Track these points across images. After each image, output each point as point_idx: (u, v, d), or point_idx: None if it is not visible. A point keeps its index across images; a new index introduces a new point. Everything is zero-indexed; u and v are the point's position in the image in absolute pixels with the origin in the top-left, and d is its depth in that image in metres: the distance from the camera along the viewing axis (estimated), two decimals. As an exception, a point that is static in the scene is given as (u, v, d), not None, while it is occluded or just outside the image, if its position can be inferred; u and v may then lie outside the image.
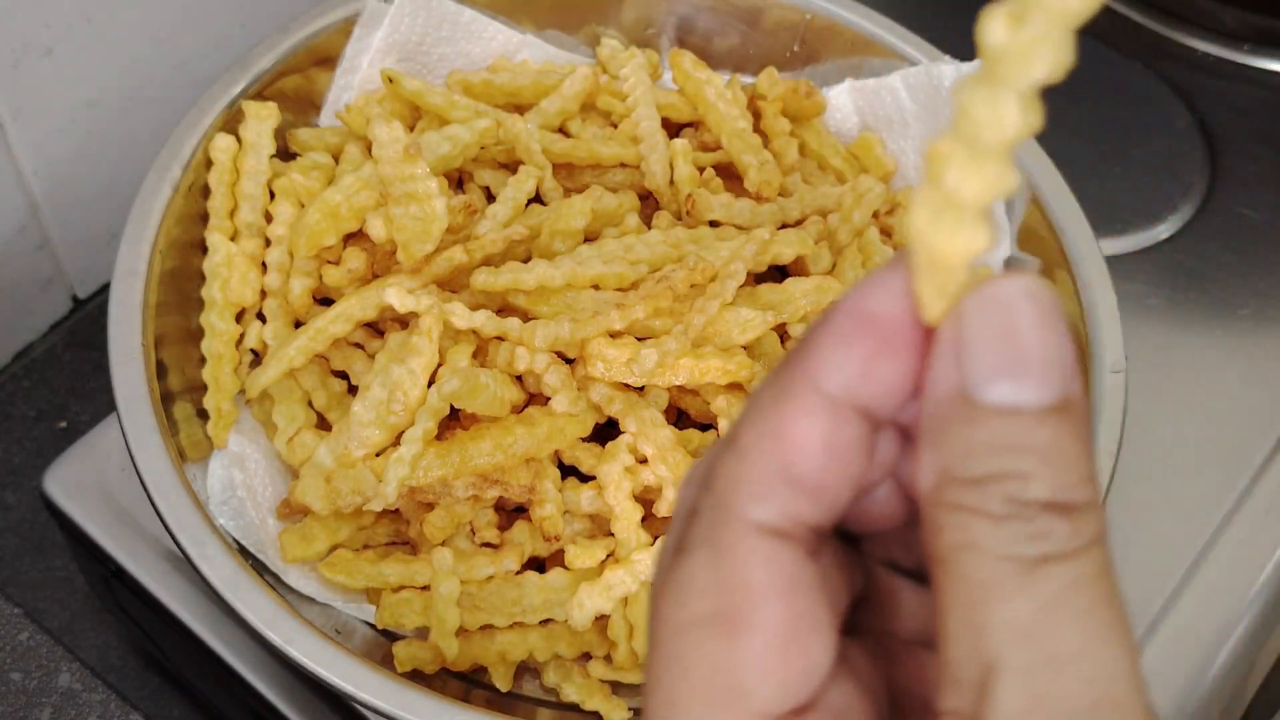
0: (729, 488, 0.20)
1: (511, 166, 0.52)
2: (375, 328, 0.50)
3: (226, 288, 0.49)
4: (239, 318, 0.50)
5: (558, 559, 0.47)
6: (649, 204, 0.54)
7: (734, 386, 0.47)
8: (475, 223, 0.50)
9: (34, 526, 0.61)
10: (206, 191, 0.51)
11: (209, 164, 0.51)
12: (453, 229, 0.48)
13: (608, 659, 0.46)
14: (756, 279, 0.50)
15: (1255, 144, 0.71)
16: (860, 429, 0.20)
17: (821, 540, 0.21)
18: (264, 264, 0.50)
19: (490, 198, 0.53)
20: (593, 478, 0.46)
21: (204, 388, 0.48)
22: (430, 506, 0.46)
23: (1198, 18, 0.76)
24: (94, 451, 0.52)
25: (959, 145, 0.19)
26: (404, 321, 0.48)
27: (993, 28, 0.18)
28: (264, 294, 0.50)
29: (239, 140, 0.52)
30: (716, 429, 0.47)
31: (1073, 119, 0.70)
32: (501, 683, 0.45)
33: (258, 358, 0.50)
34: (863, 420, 0.20)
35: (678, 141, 0.53)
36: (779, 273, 0.52)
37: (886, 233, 0.54)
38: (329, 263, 0.50)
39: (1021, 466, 0.19)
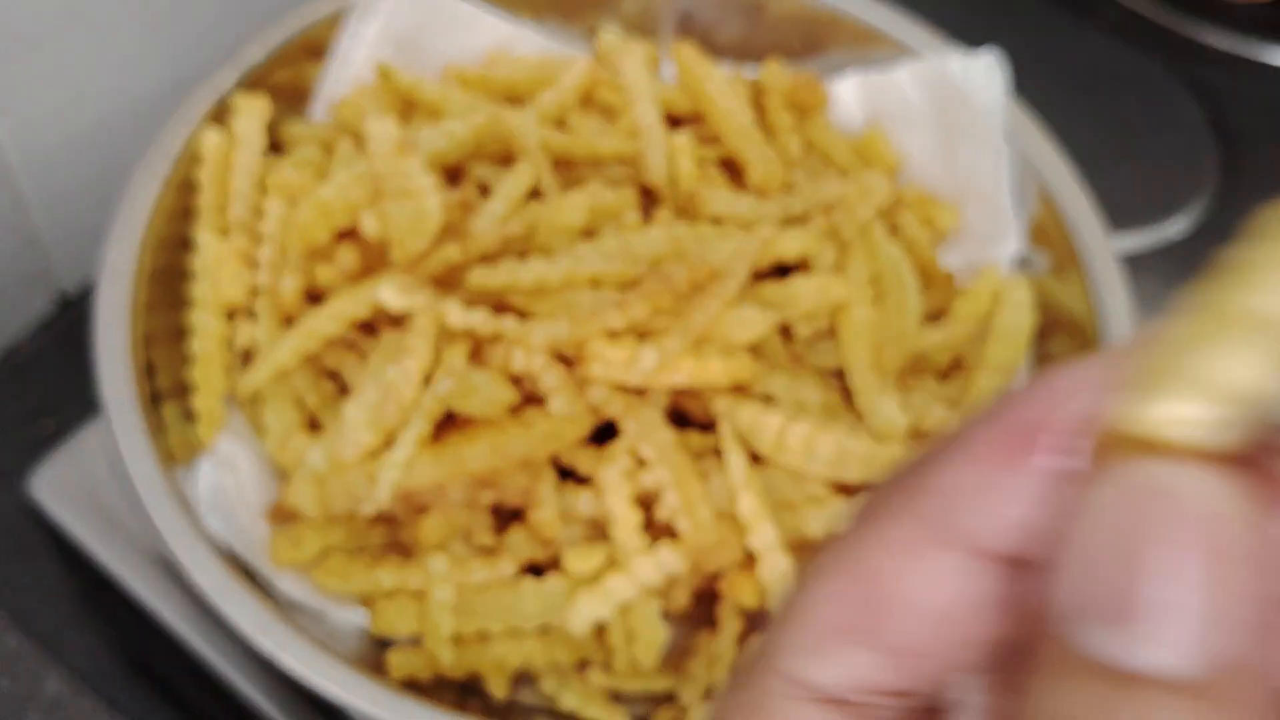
0: (781, 636, 0.15)
1: (508, 161, 0.52)
2: (369, 327, 0.49)
3: (216, 286, 0.49)
4: (229, 316, 0.49)
5: (555, 564, 0.46)
6: (649, 200, 0.53)
7: (736, 388, 0.47)
8: (471, 219, 0.49)
9: (20, 530, 0.60)
10: (196, 187, 0.51)
11: (198, 159, 0.51)
12: (448, 226, 0.48)
13: (606, 666, 0.45)
14: (759, 277, 0.50)
15: (1270, 140, 0.71)
16: (997, 580, 0.14)
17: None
18: (255, 261, 0.50)
19: (486, 193, 0.52)
20: (591, 480, 0.46)
21: (193, 388, 0.48)
22: (424, 510, 0.45)
23: (1211, 11, 0.76)
24: (81, 454, 0.52)
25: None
26: (398, 320, 0.48)
27: None
28: (254, 292, 0.49)
29: (229, 135, 0.51)
30: (718, 431, 0.47)
31: (1084, 114, 0.69)
32: (498, 690, 0.45)
33: (248, 357, 0.49)
34: (1003, 567, 0.14)
35: (679, 136, 0.53)
36: (782, 270, 0.51)
37: (892, 229, 0.54)
38: (321, 260, 0.49)
39: None
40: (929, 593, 0.14)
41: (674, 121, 0.56)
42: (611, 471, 0.44)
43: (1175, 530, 0.12)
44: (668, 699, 0.46)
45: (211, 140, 0.51)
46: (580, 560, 0.44)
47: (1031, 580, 0.14)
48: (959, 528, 0.14)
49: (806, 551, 0.47)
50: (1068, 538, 0.13)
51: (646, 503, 0.45)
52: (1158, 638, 0.12)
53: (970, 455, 0.14)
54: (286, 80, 0.54)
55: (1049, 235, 0.53)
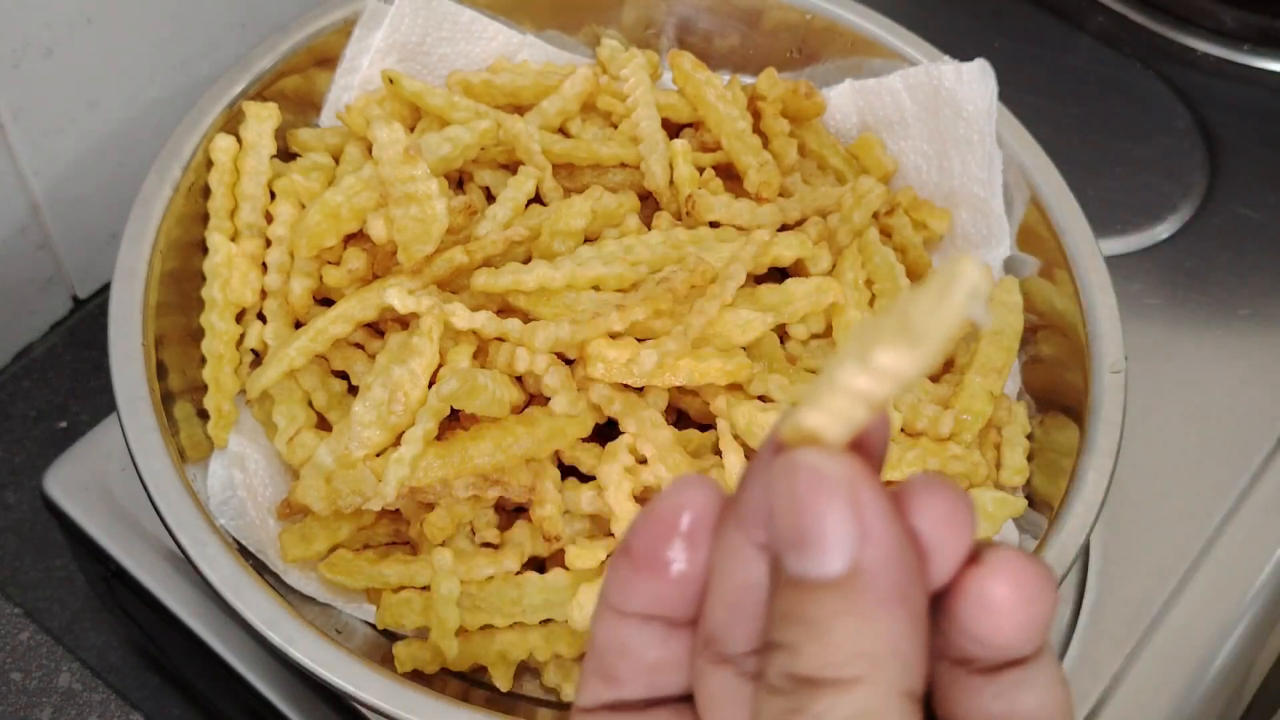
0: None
1: (511, 167, 0.52)
2: (376, 328, 0.50)
3: (227, 288, 0.49)
4: (239, 318, 0.50)
5: (558, 559, 0.47)
6: (649, 204, 0.54)
7: (734, 387, 0.48)
8: (475, 224, 0.50)
9: (34, 526, 0.61)
10: (207, 192, 0.52)
11: (209, 164, 0.51)
12: (453, 230, 0.48)
13: (608, 659, 0.46)
14: (756, 280, 0.50)
15: (1255, 144, 0.71)
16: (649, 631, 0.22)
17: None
18: (264, 264, 0.50)
19: (490, 198, 0.53)
20: (593, 478, 0.46)
21: (204, 388, 0.48)
22: (430, 507, 0.46)
23: (1197, 18, 0.76)
24: (94, 451, 0.53)
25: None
26: (404, 322, 0.49)
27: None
28: (264, 294, 0.50)
29: (239, 141, 0.52)
30: (716, 429, 0.47)
31: (1072, 119, 0.70)
32: (502, 682, 0.45)
33: (258, 358, 0.50)
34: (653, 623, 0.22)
35: (678, 142, 0.53)
36: (779, 274, 0.52)
37: (886, 233, 0.55)
38: (329, 263, 0.50)
39: (791, 639, 0.20)
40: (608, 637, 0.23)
41: (673, 128, 0.56)
42: (612, 468, 0.45)
43: (817, 486, 0.19)
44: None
45: (222, 146, 0.51)
46: (582, 555, 0.45)
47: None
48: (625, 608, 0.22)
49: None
50: (770, 502, 0.20)
51: (647, 499, 0.46)
52: (817, 556, 0.19)
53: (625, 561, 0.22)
54: (295, 87, 0.55)
55: (1038, 238, 0.54)
